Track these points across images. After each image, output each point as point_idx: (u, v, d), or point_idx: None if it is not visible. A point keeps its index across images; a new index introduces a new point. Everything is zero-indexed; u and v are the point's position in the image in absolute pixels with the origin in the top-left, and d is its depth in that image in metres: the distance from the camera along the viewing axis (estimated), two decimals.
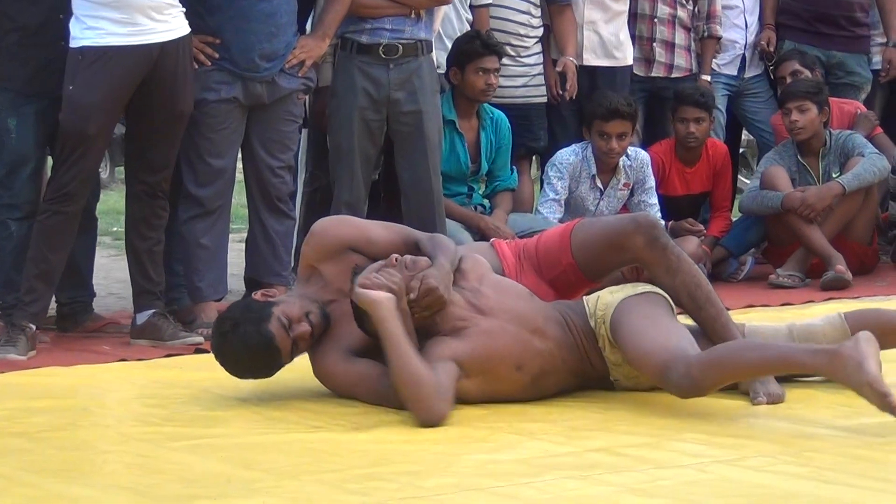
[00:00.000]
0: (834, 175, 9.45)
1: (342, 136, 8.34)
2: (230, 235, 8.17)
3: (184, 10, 7.40)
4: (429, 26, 8.44)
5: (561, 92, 9.46)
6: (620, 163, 9.26)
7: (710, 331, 6.04)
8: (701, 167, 9.76)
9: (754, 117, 10.61)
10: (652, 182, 9.38)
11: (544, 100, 9.53)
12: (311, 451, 5.40)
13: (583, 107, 9.46)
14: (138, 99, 7.30)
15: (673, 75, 10.05)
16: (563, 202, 9.21)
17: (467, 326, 5.82)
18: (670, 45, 10.02)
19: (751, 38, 10.42)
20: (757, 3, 10.44)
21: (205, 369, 6.81)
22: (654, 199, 9.37)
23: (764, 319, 6.75)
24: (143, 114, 7.41)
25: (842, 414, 5.63)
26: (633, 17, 9.89)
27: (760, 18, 10.42)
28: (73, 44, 7.25)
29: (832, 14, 10.32)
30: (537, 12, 9.46)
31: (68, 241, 7.49)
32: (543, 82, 9.50)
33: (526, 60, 9.41)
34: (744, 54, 10.42)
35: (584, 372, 6.05)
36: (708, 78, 10.15)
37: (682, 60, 10.06)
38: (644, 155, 9.42)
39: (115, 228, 7.89)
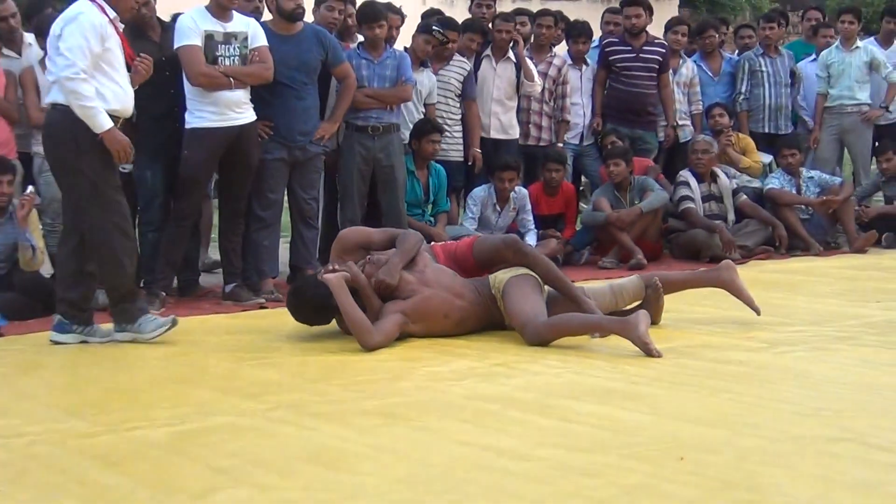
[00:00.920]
0: (636, 202, 9.47)
1: (346, 180, 8.37)
2: (280, 239, 8.15)
3: (252, 105, 7.44)
4: (398, 114, 8.47)
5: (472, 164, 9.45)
6: (510, 196, 9.23)
7: (562, 292, 6.26)
8: (559, 198, 9.68)
9: (589, 168, 10.48)
10: (529, 207, 9.32)
11: (462, 158, 9.44)
12: (329, 366, 5.52)
13: (489, 162, 9.42)
14: (226, 158, 7.32)
15: (541, 144, 9.97)
16: (476, 219, 9.16)
17: (415, 292, 6.09)
18: (539, 127, 9.96)
19: (586, 122, 10.31)
20: (591, 100, 10.31)
21: (268, 318, 6.90)
22: (531, 217, 9.30)
23: (594, 284, 6.84)
24: (229, 167, 7.43)
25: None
26: (518, 111, 9.85)
27: (592, 110, 10.32)
28: (187, 126, 7.29)
29: (635, 107, 10.26)
30: (458, 105, 9.36)
31: (184, 243, 7.52)
32: (462, 149, 9.43)
33: (453, 136, 9.34)
34: (583, 131, 10.30)
35: (489, 319, 6.26)
36: (562, 145, 10.06)
37: (546, 135, 9.99)
38: (524, 191, 9.35)
39: (213, 235, 7.91)
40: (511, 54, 9.64)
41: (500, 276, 6.21)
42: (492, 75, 9.61)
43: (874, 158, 11.05)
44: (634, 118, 10.30)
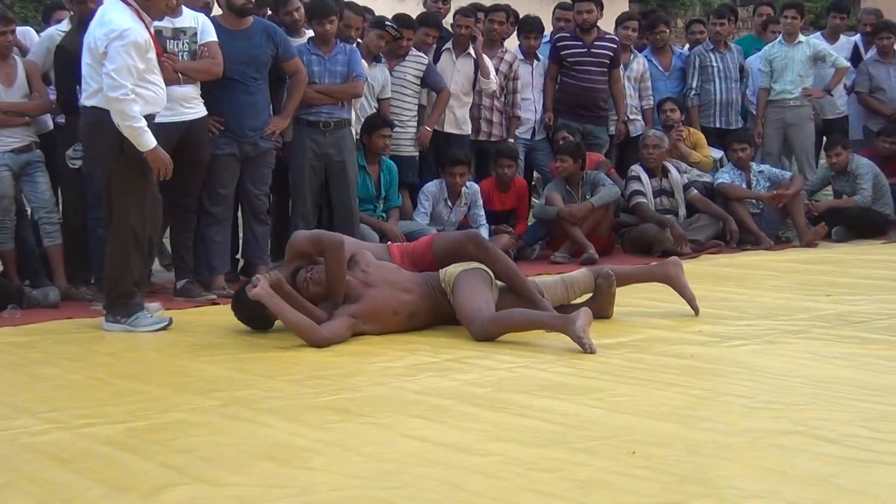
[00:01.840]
0: (588, 197, 9.51)
1: (298, 175, 8.35)
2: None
3: (202, 101, 7.42)
4: (349, 110, 8.46)
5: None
6: (462, 191, 9.27)
7: (517, 289, 6.29)
8: (511, 193, 9.74)
9: (541, 163, 10.49)
10: (480, 202, 9.37)
11: (416, 153, 9.47)
12: (282, 362, 5.52)
13: (440, 157, 9.45)
14: (176, 154, 7.25)
15: (492, 139, 10.01)
16: (429, 214, 9.20)
17: (361, 295, 6.08)
18: (490, 122, 10.00)
19: (538, 117, 10.33)
20: (541, 95, 10.34)
21: (219, 314, 6.87)
22: (482, 212, 9.35)
23: (546, 278, 6.84)
24: (179, 163, 7.36)
25: (592, 337, 5.74)
26: (472, 106, 9.87)
27: (544, 105, 10.35)
28: None
29: (585, 103, 10.30)
30: (415, 101, 9.40)
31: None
32: (415, 143, 9.45)
33: (407, 130, 9.36)
34: (534, 126, 10.32)
35: (439, 311, 6.27)
36: (513, 141, 10.12)
37: (497, 130, 10.05)
38: (476, 186, 9.41)
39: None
40: (471, 50, 9.66)
41: (451, 270, 6.21)
42: (451, 70, 9.63)
43: (823, 153, 11.14)
44: (585, 113, 10.34)
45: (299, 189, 8.35)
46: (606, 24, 10.89)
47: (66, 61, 7.31)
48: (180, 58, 7.25)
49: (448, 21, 10.16)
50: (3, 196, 7.39)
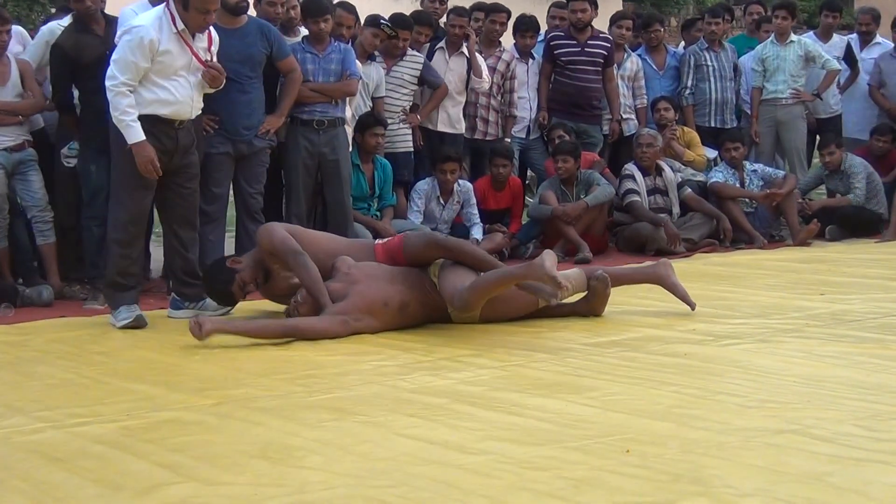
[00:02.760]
0: (582, 196, 9.53)
1: (292, 174, 8.35)
2: (226, 233, 8.11)
3: None
4: (343, 108, 8.45)
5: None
6: (454, 189, 9.28)
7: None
8: (506, 192, 9.75)
9: (536, 163, 10.51)
10: (474, 201, 9.38)
11: (411, 150, 9.46)
12: (275, 361, 5.51)
13: (433, 155, 9.44)
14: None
15: (487, 138, 10.01)
16: (422, 212, 9.21)
17: (347, 294, 6.10)
18: (486, 121, 10.01)
19: (533, 116, 10.34)
20: (536, 95, 10.35)
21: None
22: (475, 211, 9.37)
23: None
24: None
25: (586, 335, 5.76)
26: (466, 104, 9.87)
27: (539, 104, 10.36)
28: None
29: (579, 102, 10.30)
30: (409, 99, 9.39)
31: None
32: (411, 141, 9.44)
33: (402, 128, 9.36)
34: (529, 125, 10.34)
35: (430, 303, 6.28)
36: (508, 140, 10.13)
37: (493, 129, 10.05)
38: (468, 185, 9.43)
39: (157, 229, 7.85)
40: (464, 49, 9.66)
41: (437, 262, 6.28)
42: (444, 68, 9.63)
43: (817, 152, 11.14)
44: (579, 112, 10.34)
45: (293, 188, 8.34)
46: (601, 22, 10.88)
47: (61, 60, 7.30)
48: None
49: (444, 20, 10.14)
50: None
